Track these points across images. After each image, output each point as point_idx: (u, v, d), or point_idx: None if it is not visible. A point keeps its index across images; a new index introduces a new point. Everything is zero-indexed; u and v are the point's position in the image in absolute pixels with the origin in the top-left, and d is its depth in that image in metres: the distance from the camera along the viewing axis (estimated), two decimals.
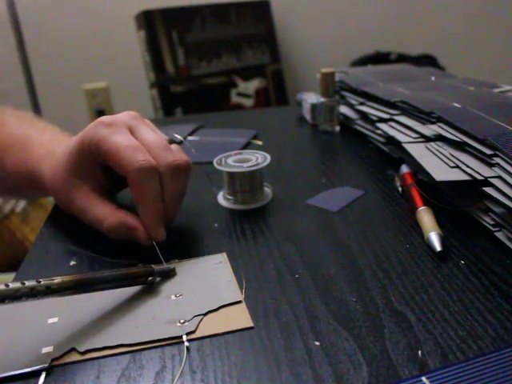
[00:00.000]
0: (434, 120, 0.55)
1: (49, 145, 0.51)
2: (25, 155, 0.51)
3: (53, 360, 0.31)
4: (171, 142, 0.46)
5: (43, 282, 0.31)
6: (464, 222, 0.45)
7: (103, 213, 0.43)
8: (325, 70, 0.73)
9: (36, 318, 0.35)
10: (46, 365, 0.31)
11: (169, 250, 0.44)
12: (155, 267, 0.38)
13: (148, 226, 0.41)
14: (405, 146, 0.53)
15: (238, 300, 0.36)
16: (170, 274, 0.39)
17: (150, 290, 0.38)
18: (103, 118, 0.43)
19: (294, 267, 0.40)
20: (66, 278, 0.33)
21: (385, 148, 0.63)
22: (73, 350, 0.32)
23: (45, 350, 0.32)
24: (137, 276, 0.37)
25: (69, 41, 1.67)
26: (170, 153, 0.42)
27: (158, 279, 0.39)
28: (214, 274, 0.40)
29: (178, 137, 0.50)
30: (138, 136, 0.43)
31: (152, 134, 0.44)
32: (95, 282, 0.35)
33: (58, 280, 0.32)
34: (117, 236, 0.43)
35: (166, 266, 0.39)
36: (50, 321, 0.35)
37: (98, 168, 0.45)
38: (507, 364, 0.27)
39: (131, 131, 0.43)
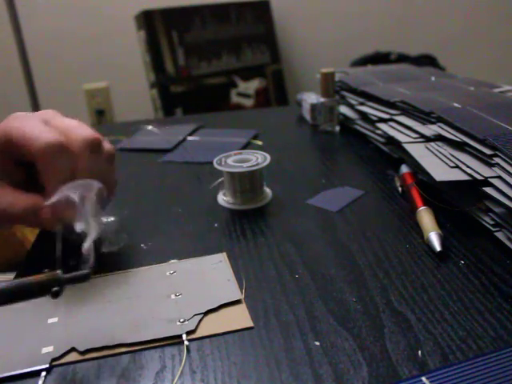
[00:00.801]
0: (433, 120, 0.55)
1: None
2: None
3: (53, 360, 0.31)
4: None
5: None
6: (464, 222, 0.45)
7: (13, 201, 0.38)
8: (325, 70, 0.73)
9: (36, 318, 0.35)
10: (46, 365, 0.31)
11: (168, 250, 0.44)
12: (63, 275, 0.31)
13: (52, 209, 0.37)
14: (405, 145, 0.53)
15: (238, 299, 0.36)
16: (84, 280, 0.32)
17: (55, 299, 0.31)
18: (16, 113, 0.41)
19: (294, 267, 0.40)
20: None
21: (385, 148, 0.63)
22: (73, 349, 0.32)
23: (45, 350, 0.32)
24: (37, 286, 0.30)
25: (69, 41, 1.67)
26: (87, 129, 0.40)
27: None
28: (213, 273, 0.40)
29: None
30: (53, 124, 0.40)
31: (69, 120, 0.41)
32: None
33: None
34: (28, 224, 0.40)
35: (78, 272, 0.33)
36: (50, 321, 0.35)
37: (17, 167, 0.40)
38: (507, 364, 0.27)
39: (46, 122, 0.40)
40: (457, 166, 0.46)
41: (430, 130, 0.54)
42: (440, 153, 0.49)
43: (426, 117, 0.56)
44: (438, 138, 0.52)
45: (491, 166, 0.43)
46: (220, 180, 0.53)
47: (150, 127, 0.83)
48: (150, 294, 0.37)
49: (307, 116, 0.81)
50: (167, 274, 0.40)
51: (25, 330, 0.34)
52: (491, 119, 0.50)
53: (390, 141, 0.60)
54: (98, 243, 0.36)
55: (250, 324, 0.34)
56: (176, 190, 0.58)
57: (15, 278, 0.41)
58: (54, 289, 0.30)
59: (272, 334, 0.33)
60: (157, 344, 0.32)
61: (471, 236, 0.43)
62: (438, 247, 0.40)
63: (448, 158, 0.48)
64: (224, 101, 1.64)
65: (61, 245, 0.33)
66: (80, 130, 0.39)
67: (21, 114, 0.41)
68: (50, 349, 0.32)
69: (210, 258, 0.42)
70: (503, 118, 0.50)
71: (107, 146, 0.42)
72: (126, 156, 0.71)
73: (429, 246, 0.41)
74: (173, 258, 0.42)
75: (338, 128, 0.75)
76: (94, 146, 0.39)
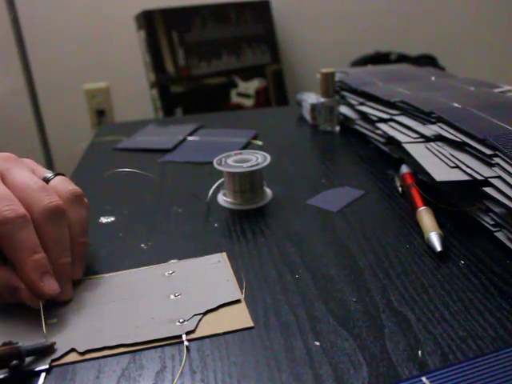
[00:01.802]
0: (433, 120, 0.55)
1: None
2: None
3: (53, 360, 0.31)
4: (47, 180, 0.39)
5: None
6: (464, 221, 0.45)
7: None
8: (325, 70, 0.73)
9: (36, 320, 0.35)
10: (46, 365, 0.31)
11: (168, 250, 0.44)
12: (24, 347, 0.30)
13: (29, 283, 0.34)
14: (405, 146, 0.53)
15: (237, 299, 0.36)
16: (47, 352, 0.31)
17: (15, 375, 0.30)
18: None
19: (294, 267, 0.40)
20: None
21: (385, 148, 0.62)
22: (73, 350, 0.32)
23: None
24: None
25: (69, 41, 1.66)
26: (45, 194, 0.36)
27: (31, 358, 0.31)
28: (212, 273, 0.40)
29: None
30: (9, 180, 0.37)
31: (26, 176, 0.37)
32: None
33: None
34: (3, 300, 0.36)
35: (41, 342, 0.32)
36: (50, 321, 0.35)
37: None
38: (507, 364, 0.27)
39: (2, 176, 0.37)
40: (457, 166, 0.46)
41: (429, 129, 0.54)
42: (440, 153, 0.49)
43: (425, 117, 0.56)
44: (438, 137, 0.52)
45: (491, 166, 0.43)
46: (220, 181, 0.53)
47: (150, 127, 0.83)
48: (149, 294, 0.37)
49: (307, 116, 0.81)
50: (166, 274, 0.40)
51: (25, 330, 0.34)
52: (491, 119, 0.50)
53: (390, 141, 0.60)
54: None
55: (250, 324, 0.34)
56: (176, 190, 0.58)
57: None
58: (14, 362, 0.30)
59: (272, 334, 0.33)
60: (157, 344, 0.32)
61: (471, 236, 0.43)
62: (438, 247, 0.40)
63: (448, 158, 0.48)
64: (224, 101, 1.63)
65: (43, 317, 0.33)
66: (39, 195, 0.36)
67: None
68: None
69: (209, 258, 0.42)
70: (503, 117, 0.49)
71: (72, 190, 0.39)
72: (126, 156, 0.71)
73: (429, 246, 0.41)
74: (172, 258, 0.42)
75: (338, 128, 0.75)
76: (56, 216, 0.36)
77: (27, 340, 0.32)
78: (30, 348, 0.31)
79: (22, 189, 0.36)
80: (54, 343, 0.32)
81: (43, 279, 0.34)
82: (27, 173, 0.38)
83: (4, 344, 0.30)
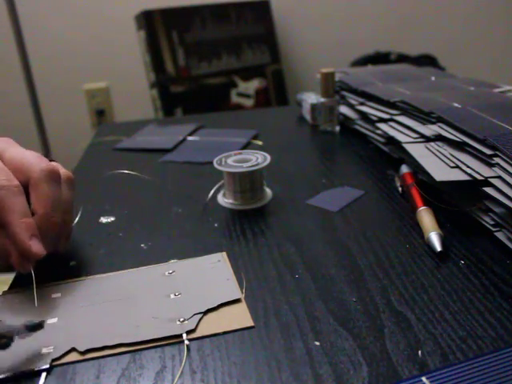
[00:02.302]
0: (433, 120, 0.55)
1: None
2: None
3: (53, 360, 0.31)
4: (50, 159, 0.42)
5: None
6: (464, 221, 0.45)
7: None
8: (325, 70, 0.73)
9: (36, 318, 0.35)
10: (46, 365, 0.31)
11: (168, 249, 0.44)
12: (13, 326, 0.32)
13: (18, 243, 0.36)
14: (405, 146, 0.53)
15: (237, 298, 0.36)
16: (36, 329, 0.33)
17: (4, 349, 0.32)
18: None
19: (294, 267, 0.40)
20: None
21: (385, 148, 0.63)
22: (73, 350, 0.32)
23: (45, 350, 0.32)
24: None
25: (69, 41, 1.66)
26: (43, 161, 0.40)
27: (21, 337, 0.32)
28: (212, 272, 0.40)
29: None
30: (7, 158, 0.40)
31: (24, 151, 0.41)
32: None
33: None
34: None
35: (30, 320, 0.33)
36: (50, 321, 0.35)
37: None
38: (507, 364, 0.27)
39: (0, 154, 0.40)
40: (457, 166, 0.46)
41: (429, 130, 0.54)
42: (440, 153, 0.49)
43: (426, 117, 0.56)
44: (438, 138, 0.52)
45: (491, 166, 0.43)
46: (221, 183, 0.53)
47: (150, 127, 0.83)
48: (149, 294, 0.37)
49: (307, 116, 0.81)
50: (166, 273, 0.40)
51: (25, 330, 0.34)
52: (491, 119, 0.50)
53: (390, 141, 0.60)
54: None
55: (251, 323, 0.34)
56: (176, 190, 0.58)
57: (15, 278, 0.41)
58: (3, 341, 0.31)
59: (272, 334, 0.33)
60: (157, 344, 0.32)
61: (471, 236, 0.43)
62: (438, 247, 0.40)
63: (448, 158, 0.48)
64: (224, 101, 1.63)
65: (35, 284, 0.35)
66: (36, 160, 0.39)
67: None
68: (50, 349, 0.32)
69: (208, 258, 0.42)
70: (503, 117, 0.49)
71: (65, 172, 0.42)
72: (126, 156, 0.71)
73: (429, 246, 0.41)
74: (173, 258, 0.42)
75: (338, 128, 0.75)
76: (51, 176, 0.39)
77: (29, 337, 0.32)
78: (19, 326, 0.32)
79: (20, 159, 0.39)
80: (43, 321, 0.33)
81: (31, 240, 0.36)
82: (25, 150, 0.41)
83: None
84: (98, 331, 0.34)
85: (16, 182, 0.37)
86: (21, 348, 0.32)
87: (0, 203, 0.36)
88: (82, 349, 0.32)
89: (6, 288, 0.39)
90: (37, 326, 0.33)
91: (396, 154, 0.59)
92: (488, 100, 0.58)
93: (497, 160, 0.42)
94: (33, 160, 0.39)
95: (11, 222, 0.36)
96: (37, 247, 0.36)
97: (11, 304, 0.37)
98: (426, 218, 0.44)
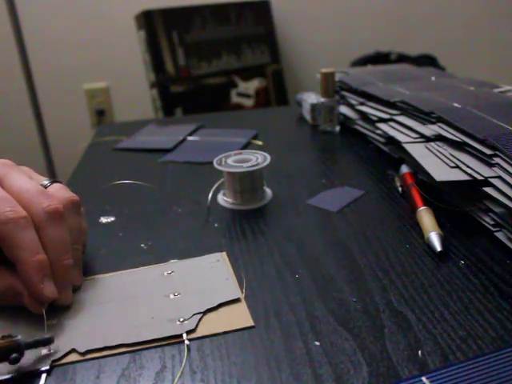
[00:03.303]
0: (433, 120, 0.55)
1: None
2: None
3: (53, 361, 0.31)
4: (45, 186, 0.39)
5: None
6: (464, 222, 0.45)
7: None
8: (325, 70, 0.73)
9: (36, 318, 0.35)
10: (46, 366, 0.31)
11: (168, 250, 0.44)
12: (23, 340, 0.30)
13: (31, 286, 0.34)
14: (405, 146, 0.53)
15: (237, 297, 0.36)
16: (46, 344, 0.32)
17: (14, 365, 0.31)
18: None
19: (294, 267, 0.40)
20: None
21: (385, 148, 0.62)
22: (73, 350, 0.32)
23: (45, 350, 0.32)
24: None
25: (69, 41, 1.66)
26: (44, 197, 0.36)
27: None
28: (212, 272, 0.40)
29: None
30: (7, 185, 0.37)
31: (24, 181, 0.38)
32: None
33: None
34: (6, 303, 0.36)
35: (40, 335, 0.32)
36: (50, 322, 0.35)
37: None
38: (507, 364, 0.27)
39: (0, 181, 0.38)
40: (457, 166, 0.46)
41: (429, 130, 0.54)
42: (440, 153, 0.49)
43: (426, 117, 0.56)
44: (438, 138, 0.52)
45: (491, 166, 0.43)
46: (220, 181, 0.53)
47: (150, 127, 0.83)
48: (149, 294, 0.37)
49: (307, 116, 0.81)
50: (165, 273, 0.40)
51: (25, 330, 0.34)
52: (491, 119, 0.50)
53: (390, 141, 0.60)
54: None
55: (251, 323, 0.34)
56: (176, 190, 0.58)
57: None
58: (13, 355, 0.30)
59: (272, 334, 0.33)
60: (157, 344, 0.32)
61: (471, 236, 0.43)
62: (438, 247, 0.40)
63: (448, 158, 0.48)
64: (224, 101, 1.63)
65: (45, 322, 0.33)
66: (38, 197, 0.36)
67: None
68: (51, 350, 0.32)
69: (208, 258, 0.42)
70: (503, 117, 0.49)
71: (68, 198, 0.39)
72: (126, 156, 0.71)
73: (429, 246, 0.41)
74: (172, 258, 0.42)
75: (338, 128, 0.75)
76: (55, 217, 0.36)
77: (27, 335, 0.31)
78: (29, 341, 0.31)
79: (20, 193, 0.36)
80: (53, 336, 0.32)
81: (43, 283, 0.34)
82: (25, 178, 0.38)
83: (3, 337, 0.30)
84: (97, 332, 0.34)
85: (23, 214, 0.35)
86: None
87: (8, 239, 0.34)
88: (82, 350, 0.32)
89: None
90: (47, 341, 0.31)
91: (396, 154, 0.59)
92: (488, 100, 0.58)
93: (497, 160, 0.42)
94: (33, 199, 0.36)
95: (23, 261, 0.34)
96: (49, 290, 0.34)
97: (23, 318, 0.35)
98: (425, 217, 0.44)
